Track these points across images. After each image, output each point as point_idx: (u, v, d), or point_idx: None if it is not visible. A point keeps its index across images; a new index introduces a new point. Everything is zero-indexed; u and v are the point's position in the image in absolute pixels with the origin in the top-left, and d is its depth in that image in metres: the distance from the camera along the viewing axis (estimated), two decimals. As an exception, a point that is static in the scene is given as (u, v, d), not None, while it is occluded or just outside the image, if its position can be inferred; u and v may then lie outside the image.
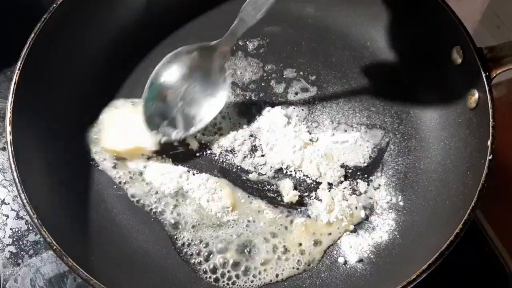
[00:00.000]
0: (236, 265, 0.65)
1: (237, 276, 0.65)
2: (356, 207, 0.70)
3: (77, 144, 0.72)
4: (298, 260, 0.66)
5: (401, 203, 0.70)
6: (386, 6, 0.78)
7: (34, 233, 0.72)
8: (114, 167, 0.71)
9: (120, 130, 0.72)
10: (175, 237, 0.67)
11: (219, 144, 0.73)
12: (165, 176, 0.70)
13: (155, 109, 0.70)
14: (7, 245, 0.71)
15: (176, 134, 0.71)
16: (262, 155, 0.73)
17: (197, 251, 0.66)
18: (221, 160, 0.73)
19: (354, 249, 0.67)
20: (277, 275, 0.65)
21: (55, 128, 0.70)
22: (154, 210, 0.69)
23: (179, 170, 0.71)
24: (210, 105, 0.72)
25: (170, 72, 0.70)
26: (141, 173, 0.71)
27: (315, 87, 0.78)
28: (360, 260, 0.67)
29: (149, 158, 0.72)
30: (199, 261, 0.66)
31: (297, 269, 0.66)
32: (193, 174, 0.71)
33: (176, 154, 0.73)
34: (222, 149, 0.73)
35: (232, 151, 0.73)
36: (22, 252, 0.71)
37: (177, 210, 0.69)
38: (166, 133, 0.70)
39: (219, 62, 0.72)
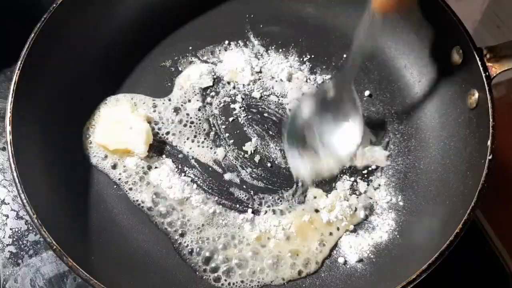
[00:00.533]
0: (236, 265, 0.65)
1: (237, 276, 0.65)
2: (356, 207, 0.70)
3: (77, 144, 0.72)
4: (301, 262, 0.66)
5: (401, 203, 0.70)
6: (386, 6, 0.78)
7: (34, 233, 0.72)
8: (114, 167, 0.71)
9: (114, 127, 0.71)
10: (175, 237, 0.67)
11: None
12: (172, 182, 0.71)
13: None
14: (7, 245, 0.71)
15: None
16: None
17: (197, 251, 0.66)
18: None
19: (354, 249, 0.67)
20: (277, 276, 0.65)
21: (55, 128, 0.70)
22: (154, 210, 0.69)
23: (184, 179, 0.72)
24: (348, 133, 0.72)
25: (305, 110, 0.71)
26: (143, 177, 0.71)
27: (315, 87, 0.78)
28: (360, 260, 0.67)
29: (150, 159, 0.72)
30: (199, 261, 0.66)
31: (298, 270, 0.66)
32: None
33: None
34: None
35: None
36: (22, 252, 0.71)
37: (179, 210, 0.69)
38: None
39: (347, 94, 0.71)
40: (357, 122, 0.71)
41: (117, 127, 0.71)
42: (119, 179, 0.71)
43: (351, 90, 0.70)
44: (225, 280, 0.65)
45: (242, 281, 0.65)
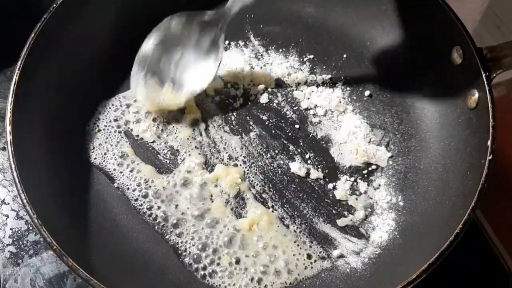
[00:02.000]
0: (236, 265, 0.66)
1: (237, 276, 0.65)
2: (356, 208, 0.70)
3: (77, 144, 0.72)
4: (303, 263, 0.66)
5: (401, 203, 0.70)
6: (386, 6, 0.78)
7: (34, 233, 0.72)
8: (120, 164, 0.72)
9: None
10: (174, 237, 0.67)
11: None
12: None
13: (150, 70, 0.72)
14: (7, 245, 0.71)
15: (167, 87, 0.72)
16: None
17: (197, 251, 0.66)
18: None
19: (354, 249, 0.67)
20: (278, 275, 0.65)
21: (55, 128, 0.70)
22: (155, 210, 0.69)
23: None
24: (200, 75, 0.73)
25: (162, 40, 0.72)
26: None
27: (315, 86, 0.78)
28: (360, 260, 0.67)
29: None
30: (199, 260, 0.66)
31: (297, 270, 0.66)
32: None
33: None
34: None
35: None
36: (22, 252, 0.71)
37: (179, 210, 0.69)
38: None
39: (211, 36, 0.72)
40: (215, 64, 0.72)
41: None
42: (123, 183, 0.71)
43: (220, 42, 0.71)
44: (225, 280, 0.65)
45: (242, 281, 0.65)
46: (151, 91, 0.73)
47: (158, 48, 0.72)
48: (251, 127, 0.76)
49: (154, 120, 0.75)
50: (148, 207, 0.69)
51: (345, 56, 0.81)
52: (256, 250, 0.66)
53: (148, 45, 0.72)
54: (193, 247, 0.67)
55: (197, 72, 0.73)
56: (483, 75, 0.64)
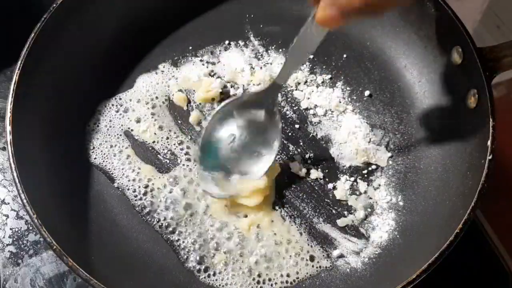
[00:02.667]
0: (236, 264, 0.66)
1: (237, 276, 0.65)
2: (356, 208, 0.70)
3: (77, 144, 0.72)
4: (303, 263, 0.66)
5: (401, 203, 0.70)
6: (386, 6, 0.78)
7: (34, 233, 0.72)
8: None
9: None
10: (174, 237, 0.67)
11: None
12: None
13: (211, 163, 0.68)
14: (7, 245, 0.71)
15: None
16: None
17: (197, 251, 0.66)
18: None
19: (354, 249, 0.67)
20: (278, 276, 0.65)
21: (55, 128, 0.70)
22: (155, 210, 0.69)
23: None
24: (266, 152, 0.69)
25: (221, 128, 0.68)
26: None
27: (315, 86, 0.78)
28: (360, 260, 0.67)
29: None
30: (199, 260, 0.66)
31: (297, 270, 0.66)
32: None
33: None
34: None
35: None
36: (22, 252, 0.71)
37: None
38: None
39: (268, 111, 0.67)
40: (274, 149, 0.68)
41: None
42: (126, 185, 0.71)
43: (276, 112, 0.66)
44: (225, 280, 0.65)
45: (241, 281, 0.65)
46: (222, 186, 0.68)
47: (217, 140, 0.68)
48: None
49: (154, 120, 0.75)
50: (148, 207, 0.69)
51: (345, 56, 0.81)
52: (256, 250, 0.66)
53: (207, 136, 0.68)
54: (193, 247, 0.67)
55: (261, 153, 0.69)
56: (483, 75, 0.64)
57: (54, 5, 0.69)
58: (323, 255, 0.67)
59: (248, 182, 0.67)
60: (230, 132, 0.68)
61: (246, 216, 0.69)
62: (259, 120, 0.67)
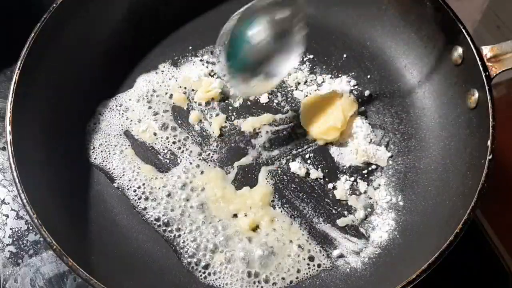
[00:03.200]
0: (236, 264, 0.65)
1: (237, 276, 0.65)
2: (356, 208, 0.70)
3: (77, 144, 0.72)
4: (303, 263, 0.66)
5: (401, 203, 0.70)
6: (386, 6, 0.78)
7: (34, 233, 0.72)
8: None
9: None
10: (174, 237, 0.67)
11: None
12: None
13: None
14: (7, 245, 0.71)
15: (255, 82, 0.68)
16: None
17: (197, 251, 0.66)
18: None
19: (354, 249, 0.67)
20: (278, 276, 0.65)
21: (55, 128, 0.70)
22: (155, 210, 0.69)
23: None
24: (285, 61, 0.69)
25: (250, 28, 0.66)
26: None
27: (315, 86, 0.78)
28: (360, 260, 0.67)
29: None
30: (199, 260, 0.66)
31: (297, 270, 0.66)
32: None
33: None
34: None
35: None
36: (22, 252, 0.71)
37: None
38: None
39: (294, 21, 0.66)
40: (298, 51, 0.68)
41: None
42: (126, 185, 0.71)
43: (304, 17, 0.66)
44: (225, 280, 0.65)
45: (241, 281, 0.65)
46: (242, 81, 0.69)
47: (245, 37, 0.67)
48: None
49: (154, 120, 0.75)
50: (148, 207, 0.69)
51: (345, 56, 0.81)
52: (256, 250, 0.66)
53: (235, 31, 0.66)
54: (193, 247, 0.67)
55: (284, 59, 0.68)
56: (483, 75, 0.64)
57: (54, 5, 0.69)
58: (323, 255, 0.67)
59: (325, 122, 0.73)
60: (257, 30, 0.66)
61: (246, 216, 0.69)
62: (285, 17, 0.67)
